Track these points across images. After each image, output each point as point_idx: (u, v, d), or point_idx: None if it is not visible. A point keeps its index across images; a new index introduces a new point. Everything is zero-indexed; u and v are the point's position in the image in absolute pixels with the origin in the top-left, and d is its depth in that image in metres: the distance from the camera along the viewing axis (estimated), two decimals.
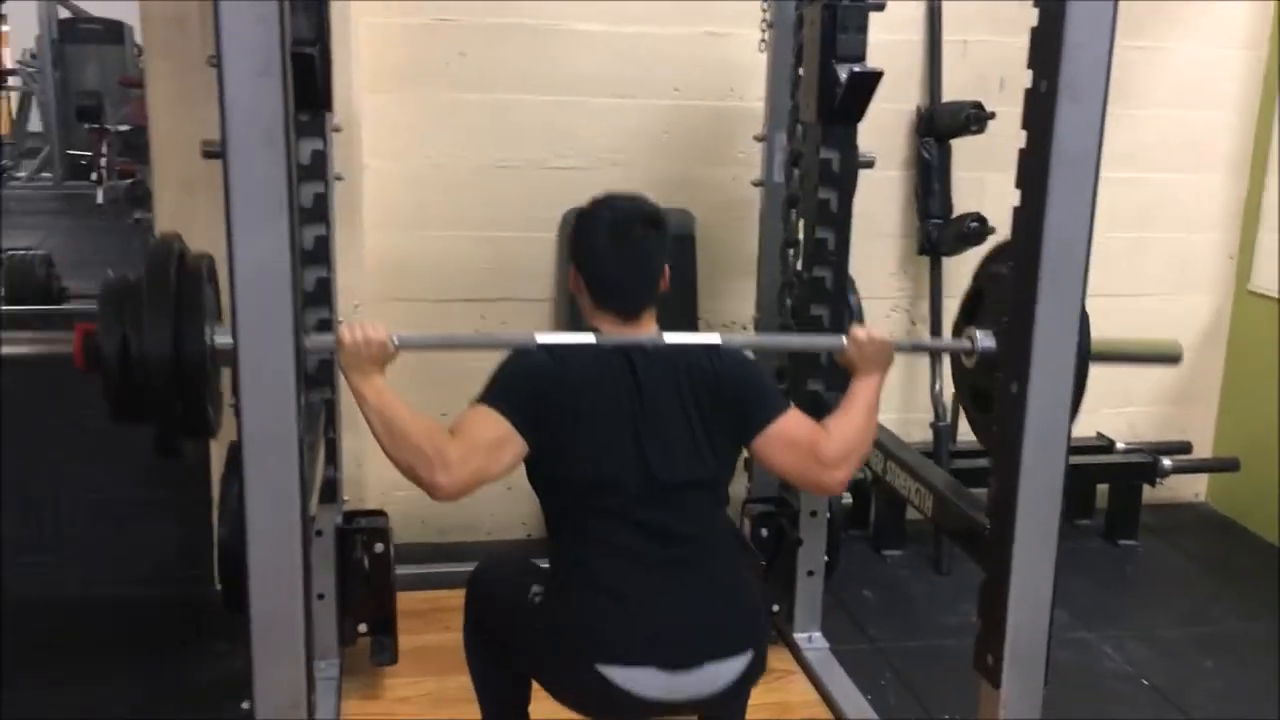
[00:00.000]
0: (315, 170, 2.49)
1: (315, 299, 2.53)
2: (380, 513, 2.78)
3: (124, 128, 7.93)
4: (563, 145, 3.44)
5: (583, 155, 3.46)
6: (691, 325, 3.50)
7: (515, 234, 3.50)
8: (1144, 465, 3.85)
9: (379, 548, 2.68)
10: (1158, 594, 3.62)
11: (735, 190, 3.47)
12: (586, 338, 2.03)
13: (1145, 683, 3.01)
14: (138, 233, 6.55)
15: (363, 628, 2.72)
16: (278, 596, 1.67)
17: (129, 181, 7.45)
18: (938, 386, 3.71)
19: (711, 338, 2.10)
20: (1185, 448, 4.05)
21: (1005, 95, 3.60)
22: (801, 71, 2.76)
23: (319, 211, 2.51)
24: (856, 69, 2.54)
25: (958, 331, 2.20)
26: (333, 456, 2.73)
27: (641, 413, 1.99)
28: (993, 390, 2.00)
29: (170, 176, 3.09)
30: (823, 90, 2.58)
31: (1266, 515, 3.94)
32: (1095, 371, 4.19)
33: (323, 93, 2.39)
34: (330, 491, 2.68)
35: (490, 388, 2.01)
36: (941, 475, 2.19)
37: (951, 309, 3.76)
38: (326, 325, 2.53)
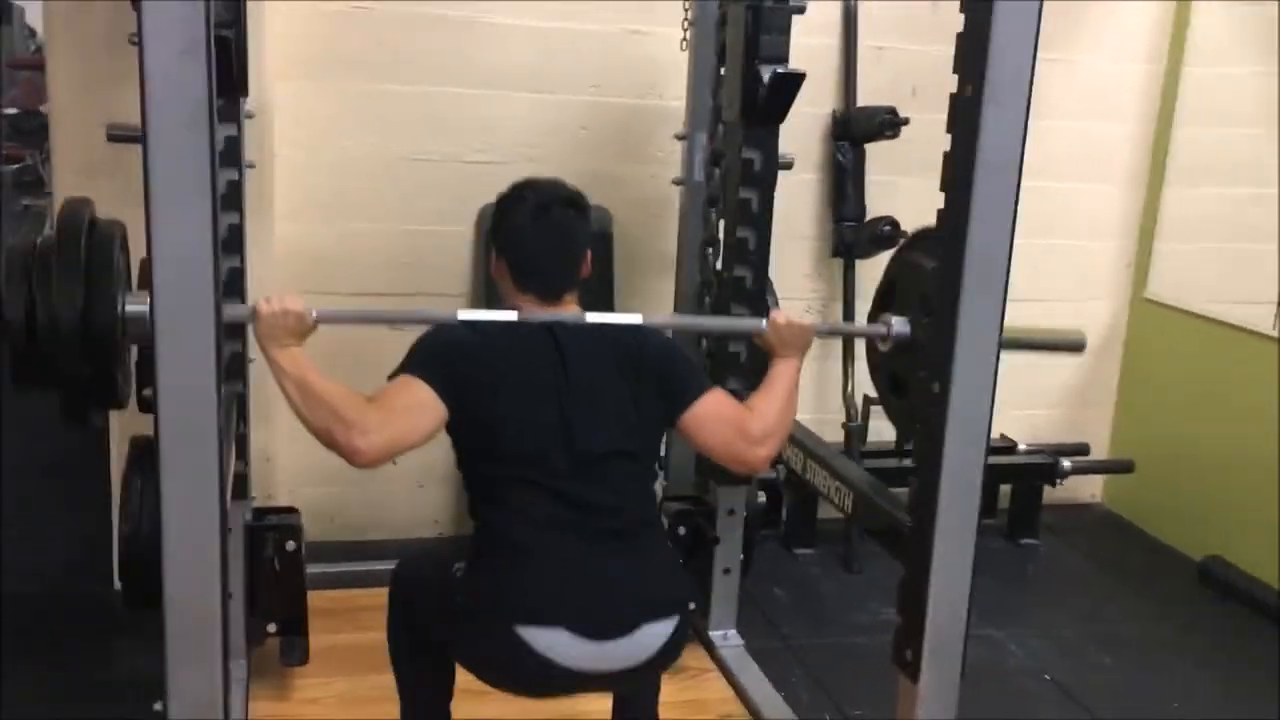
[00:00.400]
0: (229, 157, 2.41)
1: (228, 290, 2.44)
2: (292, 510, 2.73)
3: (12, 111, 7.65)
4: (480, 139, 3.41)
5: (500, 150, 3.43)
6: None
7: (431, 228, 3.45)
8: (1045, 466, 3.95)
9: (290, 545, 2.62)
10: (1058, 592, 3.72)
11: (653, 188, 3.47)
12: (509, 315, 2.02)
13: (1048, 678, 3.08)
14: (25, 219, 6.33)
15: (272, 627, 2.65)
16: (194, 594, 1.63)
17: (16, 167, 7.19)
18: (850, 388, 3.77)
19: (633, 318, 2.11)
20: (1083, 449, 4.17)
21: (918, 101, 3.66)
22: (724, 71, 2.77)
23: (233, 199, 2.45)
24: (780, 70, 2.56)
25: (873, 320, 2.22)
26: (242, 451, 2.66)
27: (566, 386, 1.99)
28: (908, 376, 2.06)
29: (70, 161, 2.98)
30: (746, 91, 2.59)
31: (1159, 516, 4.08)
32: (1001, 374, 4.29)
33: (239, 77, 2.33)
34: (240, 487, 2.61)
35: (410, 357, 2.00)
36: (861, 474, 2.22)
37: (863, 310, 3.84)
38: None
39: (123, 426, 3.18)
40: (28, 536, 3.32)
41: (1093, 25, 3.94)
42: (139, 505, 2.72)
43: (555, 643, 1.88)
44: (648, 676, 2.10)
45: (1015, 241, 4.01)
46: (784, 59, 2.60)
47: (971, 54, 1.74)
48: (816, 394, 3.84)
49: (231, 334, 2.44)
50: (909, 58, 3.73)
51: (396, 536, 3.61)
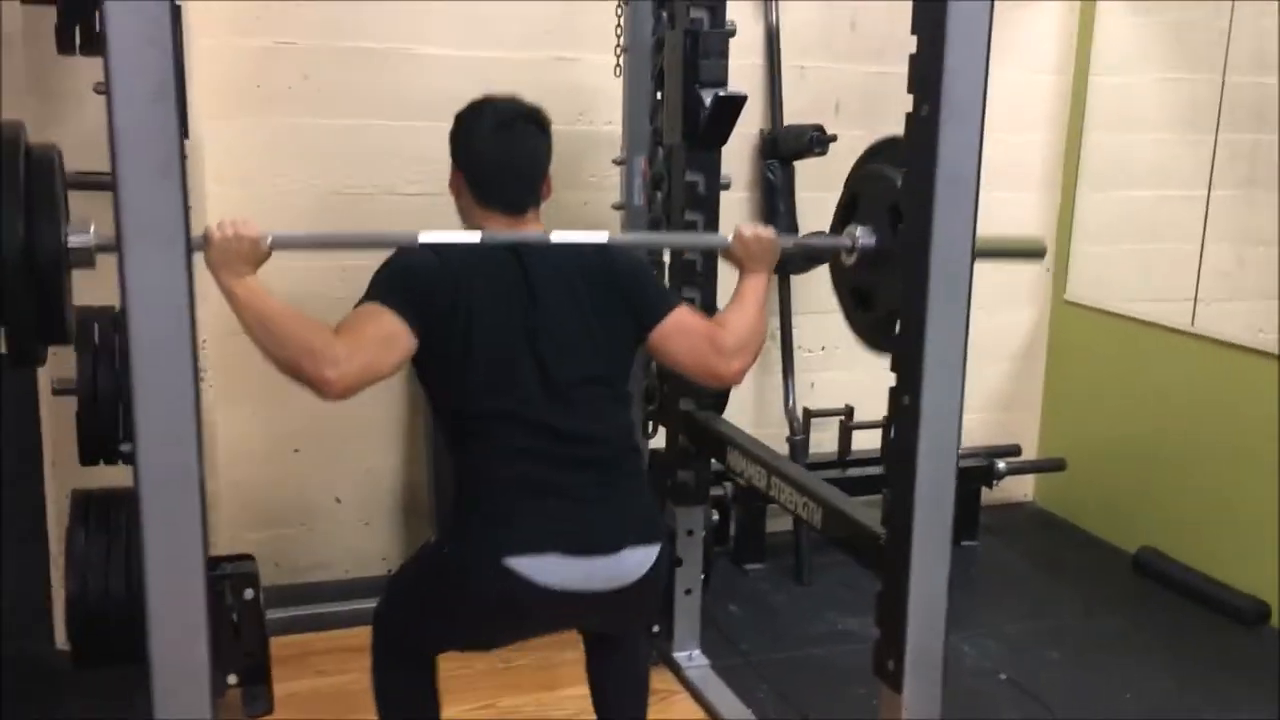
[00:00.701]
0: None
1: None
2: (247, 556, 2.67)
3: None
4: (414, 170, 3.38)
5: (434, 180, 3.30)
6: None
7: (367, 261, 3.40)
8: (981, 469, 4.04)
9: (249, 593, 2.56)
10: (1000, 592, 3.79)
11: (588, 214, 3.48)
12: (472, 236, 1.99)
13: (1004, 678, 3.14)
14: None
15: (233, 678, 2.59)
16: (182, 648, 1.58)
17: None
18: (791, 402, 3.81)
19: (599, 235, 2.08)
20: (1015, 450, 4.26)
21: (841, 118, 3.74)
22: (662, 96, 2.79)
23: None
24: (721, 94, 2.59)
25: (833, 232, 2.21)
26: None
27: (534, 309, 1.97)
28: (872, 288, 2.08)
29: None
30: (688, 114, 2.63)
31: (1090, 512, 4.20)
32: None
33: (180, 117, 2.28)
34: None
35: (374, 286, 1.96)
36: (829, 489, 2.23)
37: (801, 325, 3.90)
38: None
39: (58, 482, 3.09)
40: None
41: (1003, 39, 4.02)
42: (85, 561, 2.66)
43: (544, 566, 1.89)
44: (634, 612, 2.08)
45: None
46: (724, 82, 2.64)
47: (925, 74, 1.78)
48: (756, 408, 3.88)
49: None
50: (831, 75, 3.80)
51: (344, 577, 3.56)
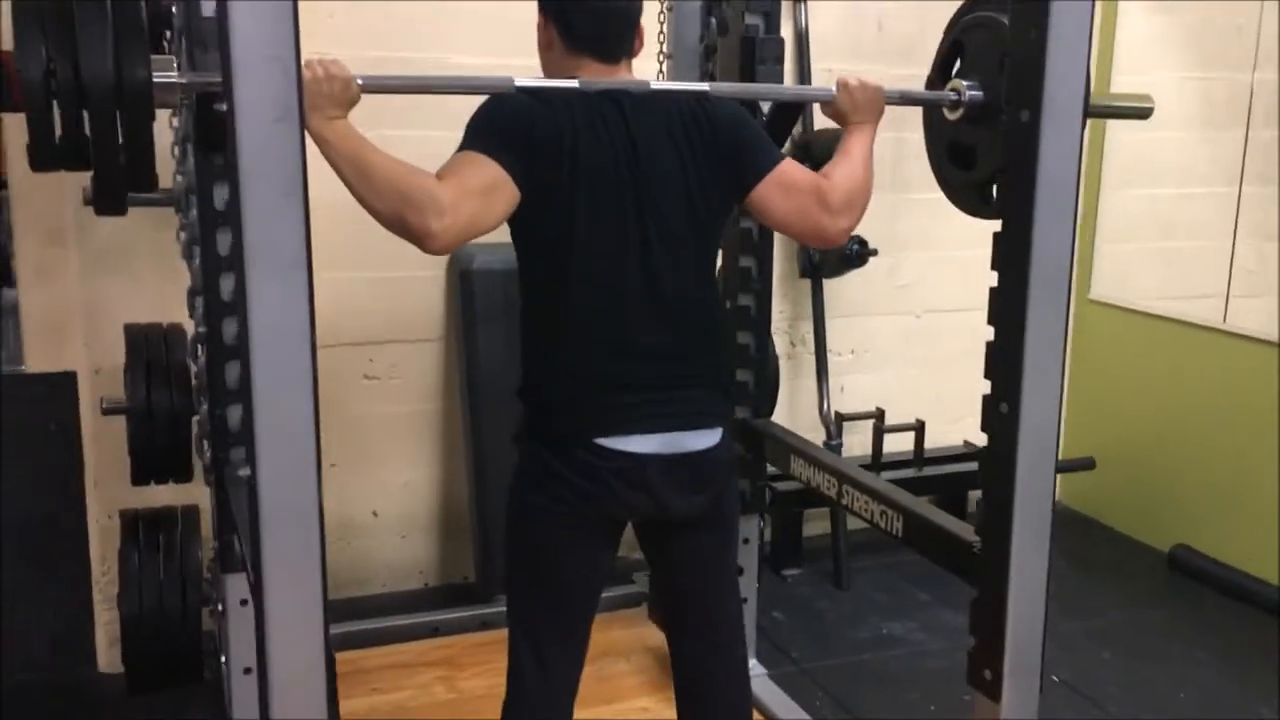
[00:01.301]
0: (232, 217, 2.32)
1: (236, 353, 2.36)
2: None
3: None
4: None
5: None
6: None
7: (401, 273, 3.37)
8: None
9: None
10: None
11: None
12: (570, 82, 1.90)
13: (1056, 679, 3.14)
14: None
15: None
16: (301, 685, 1.54)
17: None
18: (825, 406, 3.80)
19: (701, 86, 2.00)
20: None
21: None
22: None
23: (235, 260, 2.34)
24: (780, 101, 2.56)
25: (931, 86, 2.16)
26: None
27: (635, 161, 1.89)
28: (975, 145, 2.02)
29: (33, 226, 2.85)
30: None
31: (1120, 510, 4.21)
32: (957, 379, 4.36)
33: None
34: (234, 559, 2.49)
35: (474, 133, 1.84)
36: (910, 497, 2.22)
37: (833, 329, 3.89)
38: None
39: (100, 504, 3.04)
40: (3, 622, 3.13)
41: None
42: (139, 582, 2.62)
43: (628, 442, 1.90)
44: (711, 488, 2.01)
45: (956, 254, 4.15)
46: None
47: (1026, 80, 1.76)
48: (789, 412, 3.86)
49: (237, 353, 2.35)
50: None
51: (380, 591, 3.52)
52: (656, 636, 3.05)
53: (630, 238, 1.90)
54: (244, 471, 1.51)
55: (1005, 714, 1.93)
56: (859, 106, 2.06)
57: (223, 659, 2.58)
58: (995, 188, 1.96)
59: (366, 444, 3.41)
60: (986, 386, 1.94)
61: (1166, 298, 4.11)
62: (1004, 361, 1.87)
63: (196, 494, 2.74)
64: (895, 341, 4.11)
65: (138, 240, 2.97)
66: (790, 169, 2.01)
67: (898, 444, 3.91)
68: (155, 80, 1.54)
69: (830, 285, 3.84)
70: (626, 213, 1.89)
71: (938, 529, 2.09)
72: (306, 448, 1.48)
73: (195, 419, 2.56)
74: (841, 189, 2.00)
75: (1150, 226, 4.28)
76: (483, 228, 1.81)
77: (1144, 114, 2.32)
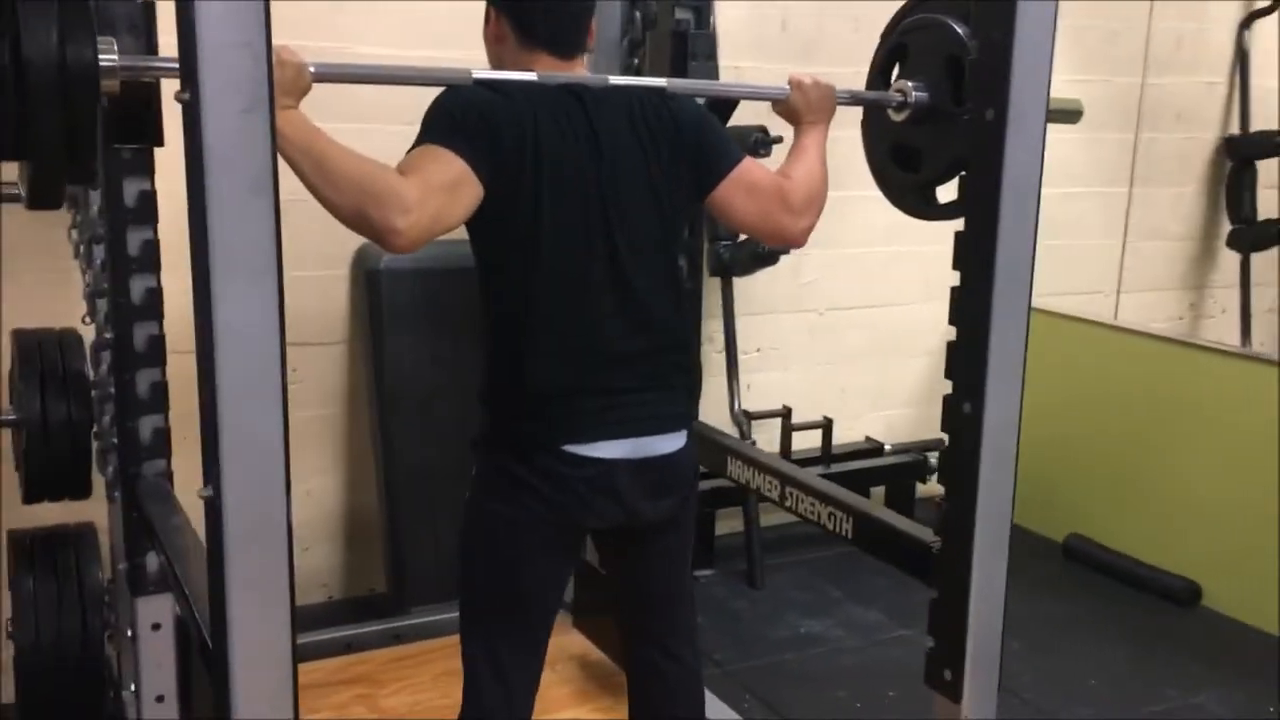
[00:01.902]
0: (143, 213, 2.18)
1: (148, 360, 2.21)
2: None
3: None
4: None
5: None
6: None
7: (304, 273, 3.21)
8: (915, 464, 4.11)
9: None
10: None
11: None
12: (527, 75, 1.82)
13: None
14: None
15: None
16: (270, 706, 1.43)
17: None
18: (736, 405, 3.79)
19: (659, 81, 1.96)
20: (939, 445, 4.34)
21: (778, 118, 3.73)
22: None
23: (148, 260, 2.20)
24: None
25: (872, 88, 2.14)
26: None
27: (599, 155, 1.83)
28: (920, 146, 2.02)
29: None
30: None
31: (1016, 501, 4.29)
32: (859, 375, 4.41)
33: (158, 125, 2.09)
34: (164, 578, 2.34)
35: (434, 125, 1.75)
36: (860, 499, 2.20)
37: (745, 327, 3.88)
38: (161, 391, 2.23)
39: None
40: None
41: None
42: (34, 611, 2.43)
43: (596, 448, 1.85)
44: (677, 492, 1.97)
45: (866, 250, 4.20)
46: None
47: (989, 80, 1.76)
48: (700, 410, 3.83)
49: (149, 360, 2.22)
50: (764, 76, 3.78)
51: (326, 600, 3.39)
52: (582, 645, 3.00)
53: (595, 235, 1.84)
54: (206, 491, 1.37)
55: (966, 714, 1.93)
56: (812, 105, 2.04)
57: (130, 688, 2.42)
58: (959, 187, 1.94)
59: None
60: (948, 386, 1.93)
61: (1057, 294, 4.22)
62: (967, 361, 1.87)
63: (90, 511, 2.56)
64: (800, 339, 4.12)
65: (19, 239, 2.75)
66: (753, 169, 1.98)
67: (802, 441, 3.93)
68: (102, 63, 1.40)
69: (737, 284, 3.83)
70: (591, 208, 1.83)
71: (894, 531, 2.09)
72: (276, 463, 1.37)
73: (94, 431, 2.39)
74: (802, 189, 1.98)
75: (1040, 226, 4.38)
76: (447, 225, 1.72)
77: (1074, 118, 2.36)
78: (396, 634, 3.07)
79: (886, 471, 4.07)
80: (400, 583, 3.22)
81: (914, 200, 2.15)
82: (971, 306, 1.85)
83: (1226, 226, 4.80)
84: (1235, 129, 4.75)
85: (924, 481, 4.15)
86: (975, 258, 1.84)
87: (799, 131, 2.07)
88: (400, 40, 3.23)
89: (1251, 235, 4.73)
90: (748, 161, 1.98)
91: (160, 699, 2.33)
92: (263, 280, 1.34)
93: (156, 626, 2.31)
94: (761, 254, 3.57)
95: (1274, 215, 4.73)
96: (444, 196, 1.69)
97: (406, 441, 3.22)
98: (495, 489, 1.89)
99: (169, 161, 2.91)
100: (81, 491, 2.47)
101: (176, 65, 1.34)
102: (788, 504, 2.35)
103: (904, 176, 2.13)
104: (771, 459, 2.47)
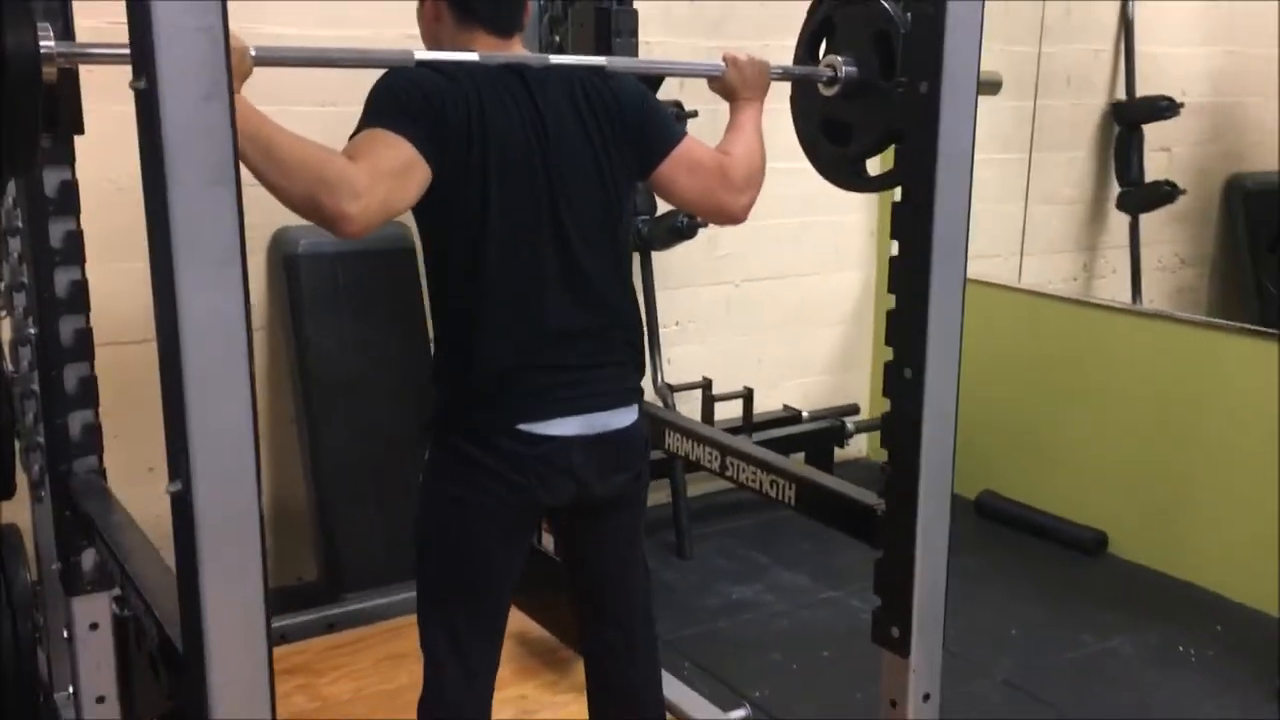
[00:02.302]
0: (65, 204, 2.11)
1: (76, 354, 2.15)
2: None
3: None
4: None
5: None
6: (424, 343, 3.33)
7: None
8: (832, 430, 4.19)
9: None
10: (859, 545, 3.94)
11: None
12: (469, 55, 1.81)
13: None
14: None
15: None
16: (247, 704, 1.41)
17: None
18: (659, 378, 3.82)
19: (598, 60, 1.97)
20: (854, 410, 4.45)
21: (687, 93, 3.76)
22: None
23: (72, 252, 2.14)
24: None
25: (799, 63, 2.15)
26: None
27: (544, 134, 1.83)
28: (849, 120, 2.06)
29: None
30: None
31: None
32: (775, 345, 4.47)
33: (76, 114, 2.03)
34: (101, 576, 2.29)
35: (378, 108, 1.74)
36: (803, 466, 2.25)
37: (664, 301, 3.91)
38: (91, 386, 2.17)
39: None
40: None
41: None
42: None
43: (549, 426, 1.86)
44: (629, 468, 2.00)
45: (776, 222, 4.27)
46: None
47: (924, 53, 1.80)
48: None
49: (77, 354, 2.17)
50: (671, 51, 3.80)
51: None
52: (522, 622, 3.00)
53: (542, 214, 1.85)
54: (174, 486, 1.35)
55: (915, 668, 2.00)
56: (748, 82, 2.06)
57: (68, 690, 2.37)
58: (894, 158, 1.98)
59: None
60: (889, 353, 1.98)
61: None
62: (906, 328, 1.92)
63: (11, 513, 2.49)
64: (717, 311, 4.17)
65: None
66: (694, 147, 2.00)
67: (724, 411, 3.98)
68: (43, 50, 1.37)
69: (661, 258, 3.85)
70: (538, 188, 1.84)
71: (837, 495, 2.13)
72: (247, 453, 1.36)
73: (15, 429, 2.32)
74: (743, 165, 2.01)
75: None
76: (396, 210, 1.71)
77: (994, 89, 2.42)
78: (330, 622, 3.05)
79: (806, 438, 4.14)
80: (332, 570, 3.19)
81: (845, 173, 2.18)
82: (910, 275, 1.90)
83: (1116, 189, 4.98)
84: (1122, 95, 4.91)
85: (841, 446, 4.23)
86: (913, 227, 1.89)
87: (735, 108, 2.09)
88: (304, 20, 3.18)
89: (1140, 197, 4.91)
90: (689, 140, 2.00)
91: (101, 699, 2.27)
92: (227, 270, 1.32)
93: (94, 626, 2.25)
94: (679, 228, 3.60)
95: (1161, 178, 4.91)
96: (393, 181, 1.68)
97: (332, 428, 3.18)
98: (450, 471, 1.89)
99: (83, 150, 2.85)
100: (4, 492, 2.40)
101: (123, 52, 1.32)
102: (728, 474, 2.38)
103: (834, 150, 2.17)
104: (713, 431, 2.50)
